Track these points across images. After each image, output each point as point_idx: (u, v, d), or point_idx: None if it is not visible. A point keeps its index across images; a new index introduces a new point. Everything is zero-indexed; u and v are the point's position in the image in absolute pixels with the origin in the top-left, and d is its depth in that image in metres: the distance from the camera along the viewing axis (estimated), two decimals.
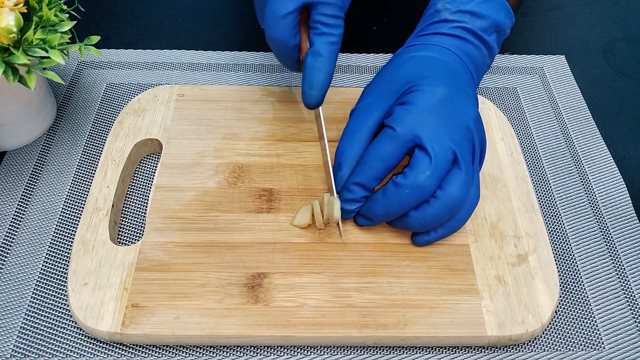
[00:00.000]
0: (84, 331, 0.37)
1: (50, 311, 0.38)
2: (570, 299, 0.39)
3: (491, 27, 0.43)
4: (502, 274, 0.38)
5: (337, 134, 0.45)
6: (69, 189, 0.44)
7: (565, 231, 0.43)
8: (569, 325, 0.38)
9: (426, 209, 0.36)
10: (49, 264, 0.40)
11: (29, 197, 0.43)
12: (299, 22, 0.39)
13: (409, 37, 0.46)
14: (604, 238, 0.42)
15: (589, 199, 0.45)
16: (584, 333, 0.38)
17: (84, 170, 0.45)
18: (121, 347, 0.36)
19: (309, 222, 0.40)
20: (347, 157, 0.39)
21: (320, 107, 0.41)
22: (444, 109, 0.37)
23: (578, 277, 0.40)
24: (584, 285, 0.40)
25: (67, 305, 0.38)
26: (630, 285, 0.40)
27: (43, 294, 0.38)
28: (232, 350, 0.36)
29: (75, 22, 0.40)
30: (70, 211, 0.43)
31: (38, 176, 0.45)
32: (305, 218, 0.40)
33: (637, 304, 0.39)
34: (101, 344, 0.36)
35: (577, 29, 0.60)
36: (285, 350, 0.36)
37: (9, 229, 0.41)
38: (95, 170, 0.44)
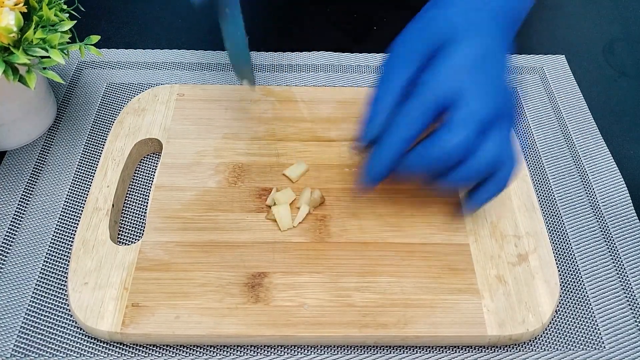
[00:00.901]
0: (84, 331, 0.37)
1: (50, 311, 0.38)
2: (570, 299, 0.39)
3: None
4: (503, 274, 0.38)
5: (337, 133, 0.46)
6: (69, 189, 0.44)
7: (566, 230, 0.43)
8: (569, 324, 0.38)
9: (466, 165, 0.34)
10: (49, 264, 0.40)
11: (29, 197, 0.43)
12: None
13: None
14: (604, 237, 0.42)
15: (589, 199, 0.45)
16: (584, 332, 0.38)
17: (84, 170, 0.45)
18: (121, 346, 0.36)
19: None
20: (381, 107, 0.36)
21: None
22: (478, 65, 0.35)
23: (578, 276, 0.40)
24: (584, 284, 0.40)
25: (67, 305, 0.38)
26: (630, 284, 0.40)
27: (43, 294, 0.38)
28: (232, 350, 0.36)
29: (75, 21, 0.40)
30: (70, 211, 0.43)
31: (38, 176, 0.45)
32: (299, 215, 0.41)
33: (638, 303, 0.39)
34: (101, 344, 0.36)
35: (577, 29, 0.60)
36: (285, 349, 0.36)
37: (9, 229, 0.41)
38: (95, 170, 0.44)
